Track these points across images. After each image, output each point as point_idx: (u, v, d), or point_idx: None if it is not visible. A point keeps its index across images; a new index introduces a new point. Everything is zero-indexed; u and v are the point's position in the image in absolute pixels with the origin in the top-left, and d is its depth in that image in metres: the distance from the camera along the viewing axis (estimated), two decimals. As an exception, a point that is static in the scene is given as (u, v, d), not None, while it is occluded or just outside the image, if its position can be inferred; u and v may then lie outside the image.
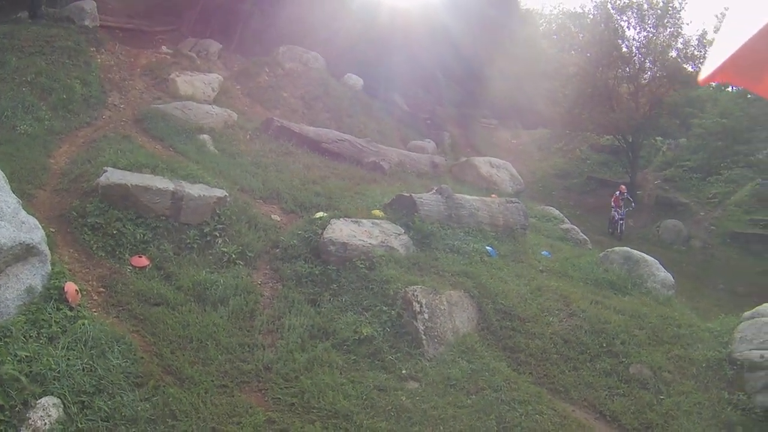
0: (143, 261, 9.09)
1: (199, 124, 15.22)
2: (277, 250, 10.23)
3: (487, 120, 36.36)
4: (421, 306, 8.56)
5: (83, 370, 6.10)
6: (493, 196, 15.85)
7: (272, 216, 11.72)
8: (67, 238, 9.14)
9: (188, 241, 9.67)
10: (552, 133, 32.02)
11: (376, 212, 11.69)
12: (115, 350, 6.56)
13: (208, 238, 9.87)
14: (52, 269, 7.25)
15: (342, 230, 10.13)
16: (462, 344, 8.58)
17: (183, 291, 8.43)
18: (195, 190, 10.18)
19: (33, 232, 7.07)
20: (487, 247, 11.76)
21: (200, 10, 24.82)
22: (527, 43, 40.72)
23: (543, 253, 13.31)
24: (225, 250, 9.67)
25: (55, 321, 6.61)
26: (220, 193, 10.45)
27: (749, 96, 24.56)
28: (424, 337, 8.26)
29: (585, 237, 17.36)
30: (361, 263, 9.54)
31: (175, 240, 9.68)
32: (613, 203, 22.90)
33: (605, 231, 23.43)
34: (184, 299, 8.26)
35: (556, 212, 19.57)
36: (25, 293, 6.69)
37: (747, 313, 9.65)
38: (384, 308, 8.65)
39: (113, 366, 6.33)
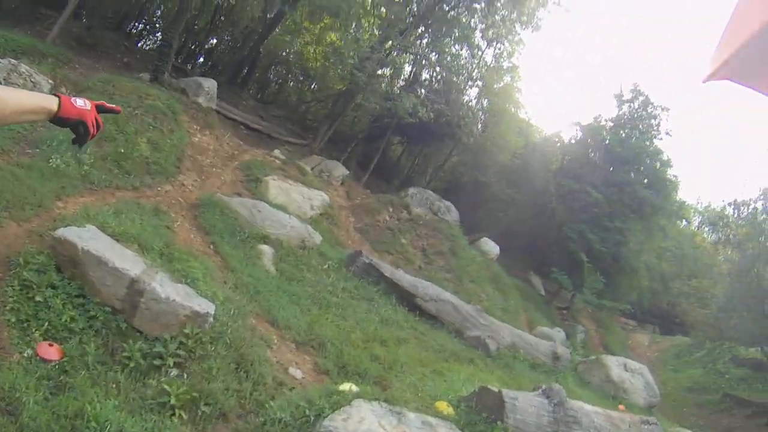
0: (52, 352, 5.73)
1: (266, 232, 12.07)
2: (257, 420, 6.23)
3: (625, 319, 32.56)
4: None
5: None
6: (621, 407, 11.87)
7: (290, 369, 7.86)
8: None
9: (127, 353, 6.05)
10: (693, 341, 27.23)
11: (442, 406, 7.24)
12: None
13: (158, 362, 6.17)
14: None
15: (363, 421, 5.87)
16: None
17: (56, 417, 4.83)
18: (167, 289, 6.61)
19: None
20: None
21: (339, 132, 23.06)
22: (678, 238, 36.51)
23: None
24: (168, 388, 5.86)
25: None
26: (201, 306, 6.78)
27: None
28: None
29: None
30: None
31: (111, 345, 6.13)
32: None
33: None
34: (46, 430, 4.76)
35: (695, 441, 14.42)
36: None
37: None
38: None
39: None
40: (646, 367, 18.07)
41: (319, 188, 17.17)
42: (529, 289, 25.23)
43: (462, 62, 23.36)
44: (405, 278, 13.71)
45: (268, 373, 7.10)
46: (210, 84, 17.56)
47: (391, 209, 19.75)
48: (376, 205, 19.55)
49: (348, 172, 20.94)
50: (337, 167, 20.36)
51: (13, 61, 12.49)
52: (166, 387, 5.85)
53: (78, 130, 2.04)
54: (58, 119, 1.97)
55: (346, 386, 7.02)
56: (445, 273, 18.82)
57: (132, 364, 6.04)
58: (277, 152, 18.06)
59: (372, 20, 24.03)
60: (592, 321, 27.82)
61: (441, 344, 11.85)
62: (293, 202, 15.06)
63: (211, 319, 6.79)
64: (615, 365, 16.73)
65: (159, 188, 12.07)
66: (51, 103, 1.95)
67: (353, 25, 23.02)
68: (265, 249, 11.49)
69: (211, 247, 10.55)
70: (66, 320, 6.11)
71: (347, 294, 11.95)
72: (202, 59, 29.95)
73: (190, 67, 24.87)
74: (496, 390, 7.39)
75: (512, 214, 28.93)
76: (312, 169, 19.13)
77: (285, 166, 17.10)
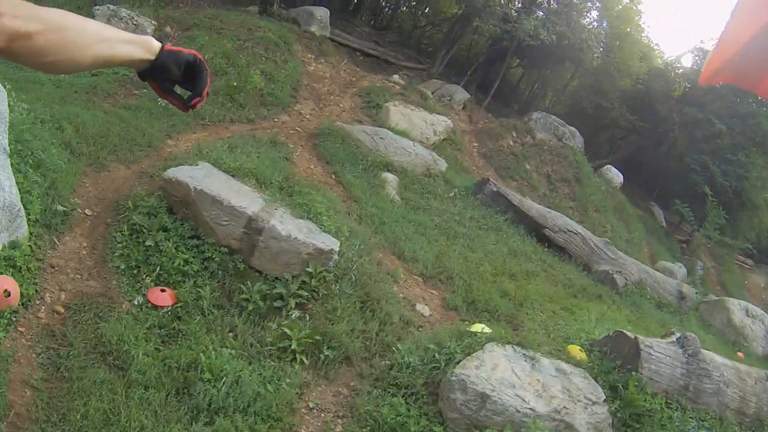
0: (164, 298, 5.56)
1: (389, 160, 11.50)
2: (383, 363, 5.65)
3: (742, 258, 29.53)
4: None
5: None
6: (740, 354, 11.54)
7: (417, 306, 7.23)
8: (99, 228, 6.27)
9: (245, 295, 5.61)
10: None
11: (574, 350, 6.71)
12: None
13: (278, 304, 5.70)
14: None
15: (496, 368, 5.34)
16: None
17: (167, 369, 4.64)
18: (287, 226, 6.12)
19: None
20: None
21: (457, 56, 21.88)
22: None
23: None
24: (289, 332, 5.39)
25: None
26: (325, 243, 6.23)
27: None
28: None
29: None
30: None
31: (228, 287, 5.75)
32: None
33: None
34: (156, 384, 4.53)
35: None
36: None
37: None
38: None
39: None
40: (767, 315, 16.67)
41: (441, 113, 16.35)
42: (651, 220, 23.78)
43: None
44: (534, 207, 12.91)
45: (395, 311, 6.59)
46: (322, 12, 16.93)
47: (514, 134, 18.69)
48: (500, 130, 18.56)
49: (469, 96, 19.91)
50: (457, 91, 19.37)
51: (112, 6, 12.21)
52: (286, 330, 5.46)
53: (188, 77, 1.58)
54: (166, 54, 1.52)
55: (477, 327, 6.58)
56: (570, 201, 17.83)
57: (250, 307, 5.65)
58: (396, 77, 17.31)
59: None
60: (710, 257, 25.68)
61: (570, 279, 11.10)
62: (415, 128, 14.34)
63: (336, 257, 6.26)
64: (737, 309, 15.56)
65: (275, 119, 11.78)
66: (151, 39, 1.54)
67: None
68: (389, 177, 10.93)
69: (333, 177, 10.20)
70: (179, 263, 5.75)
71: (475, 223, 11.32)
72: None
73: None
74: (631, 336, 6.74)
75: (633, 141, 26.87)
76: (432, 93, 18.25)
77: (405, 91, 16.35)
